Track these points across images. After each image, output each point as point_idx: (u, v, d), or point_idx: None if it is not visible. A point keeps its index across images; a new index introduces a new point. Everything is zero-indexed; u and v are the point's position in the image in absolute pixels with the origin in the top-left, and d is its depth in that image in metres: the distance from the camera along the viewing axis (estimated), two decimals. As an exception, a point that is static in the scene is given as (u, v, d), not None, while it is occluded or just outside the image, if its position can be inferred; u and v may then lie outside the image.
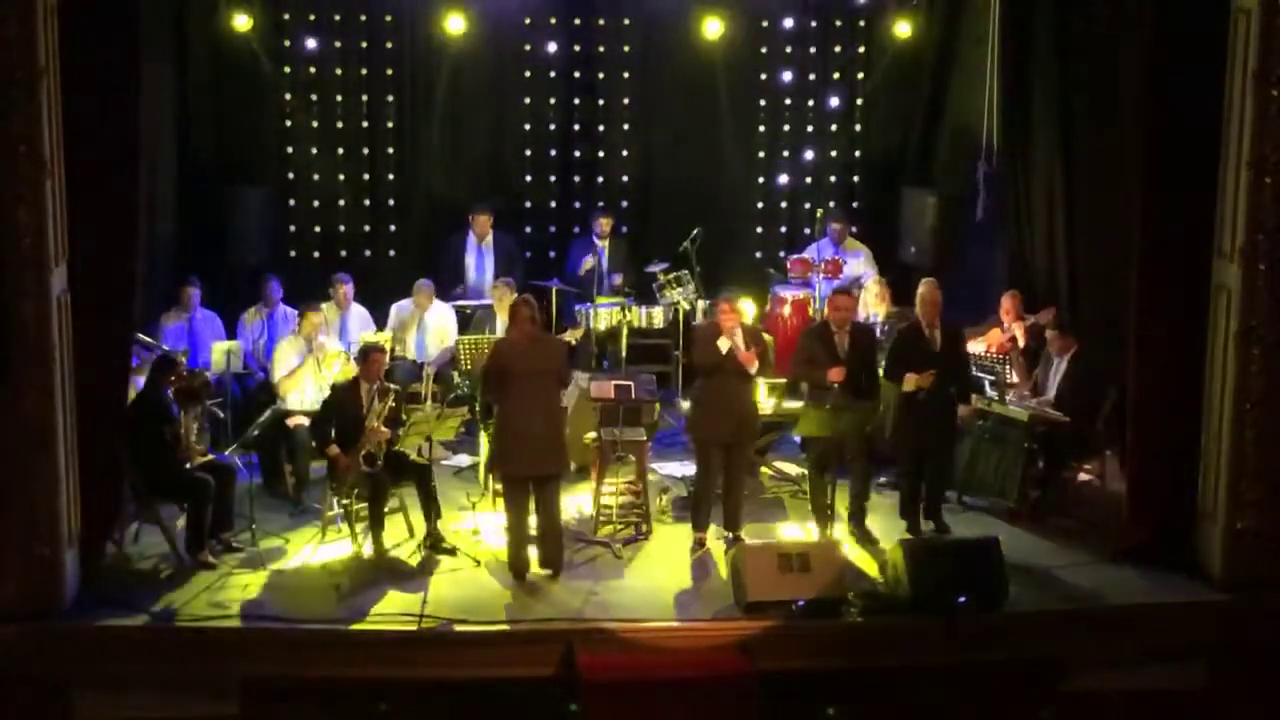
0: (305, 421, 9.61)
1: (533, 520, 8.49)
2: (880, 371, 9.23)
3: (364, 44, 12.45)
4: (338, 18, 12.36)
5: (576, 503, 9.54)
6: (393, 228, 12.77)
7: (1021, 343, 10.37)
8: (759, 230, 13.24)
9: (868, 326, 10.01)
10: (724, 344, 8.70)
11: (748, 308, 10.14)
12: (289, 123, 12.45)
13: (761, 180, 13.19)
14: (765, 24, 12.84)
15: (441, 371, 11.04)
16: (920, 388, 8.87)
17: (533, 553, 8.45)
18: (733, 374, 8.74)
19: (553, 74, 12.74)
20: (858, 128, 13.14)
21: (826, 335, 9.05)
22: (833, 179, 13.18)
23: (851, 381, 8.87)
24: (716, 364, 8.72)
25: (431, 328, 11.19)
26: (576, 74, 12.77)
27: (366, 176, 12.69)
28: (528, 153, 12.86)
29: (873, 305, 11.09)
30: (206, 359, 10.30)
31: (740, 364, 8.70)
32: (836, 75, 13.04)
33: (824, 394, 8.93)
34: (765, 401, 9.65)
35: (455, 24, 11.92)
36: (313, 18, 12.29)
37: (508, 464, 8.49)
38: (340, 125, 12.52)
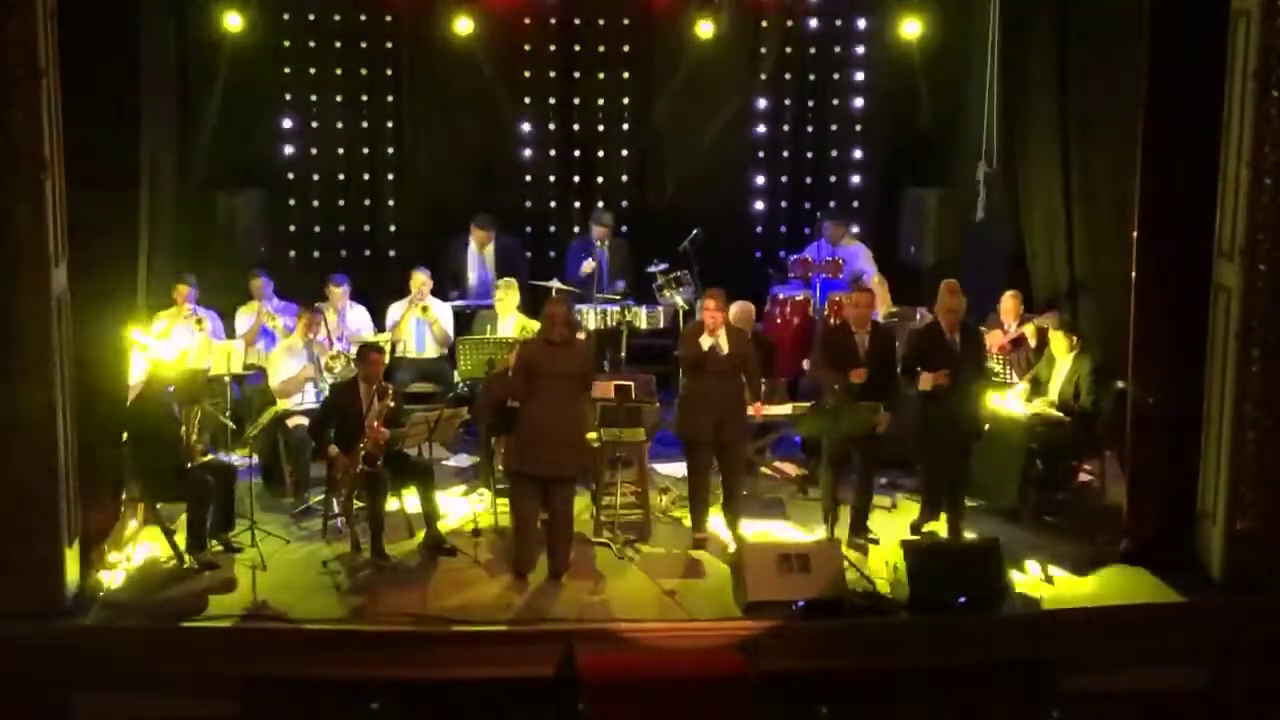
0: (305, 422, 9.61)
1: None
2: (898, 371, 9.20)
3: (364, 44, 12.47)
4: (338, 18, 12.38)
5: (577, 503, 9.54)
6: (393, 228, 12.79)
7: (1034, 343, 10.36)
8: (759, 230, 13.26)
9: (888, 327, 9.98)
10: (706, 341, 8.70)
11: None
12: (288, 123, 12.47)
13: (761, 180, 13.21)
14: (765, 24, 12.85)
15: (442, 369, 11.09)
16: (937, 386, 8.81)
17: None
18: (714, 372, 8.73)
19: (553, 74, 12.75)
20: (858, 128, 13.16)
21: (847, 335, 9.01)
22: (833, 179, 13.21)
23: (870, 382, 8.85)
24: (697, 361, 8.71)
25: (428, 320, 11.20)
26: (576, 74, 12.78)
27: (366, 176, 12.71)
28: (527, 153, 12.87)
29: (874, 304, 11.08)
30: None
31: (723, 362, 8.70)
32: (836, 76, 13.07)
33: (831, 394, 8.93)
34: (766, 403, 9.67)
35: (456, 24, 11.93)
36: (312, 18, 12.31)
37: (524, 463, 8.42)
38: (340, 125, 12.54)
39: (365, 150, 12.64)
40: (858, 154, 13.19)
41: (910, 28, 12.32)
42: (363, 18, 12.38)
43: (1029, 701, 7.82)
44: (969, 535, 8.90)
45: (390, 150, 12.69)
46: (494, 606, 8.02)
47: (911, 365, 8.96)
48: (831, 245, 11.77)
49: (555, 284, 11.47)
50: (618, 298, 11.56)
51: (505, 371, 9.11)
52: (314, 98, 12.45)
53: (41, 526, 7.59)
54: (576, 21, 12.67)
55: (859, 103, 13.11)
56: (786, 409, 9.78)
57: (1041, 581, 8.42)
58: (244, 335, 10.66)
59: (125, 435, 8.42)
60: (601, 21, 12.69)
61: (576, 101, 12.83)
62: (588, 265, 11.75)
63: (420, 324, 11.17)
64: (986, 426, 9.49)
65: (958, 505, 9.01)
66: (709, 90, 12.69)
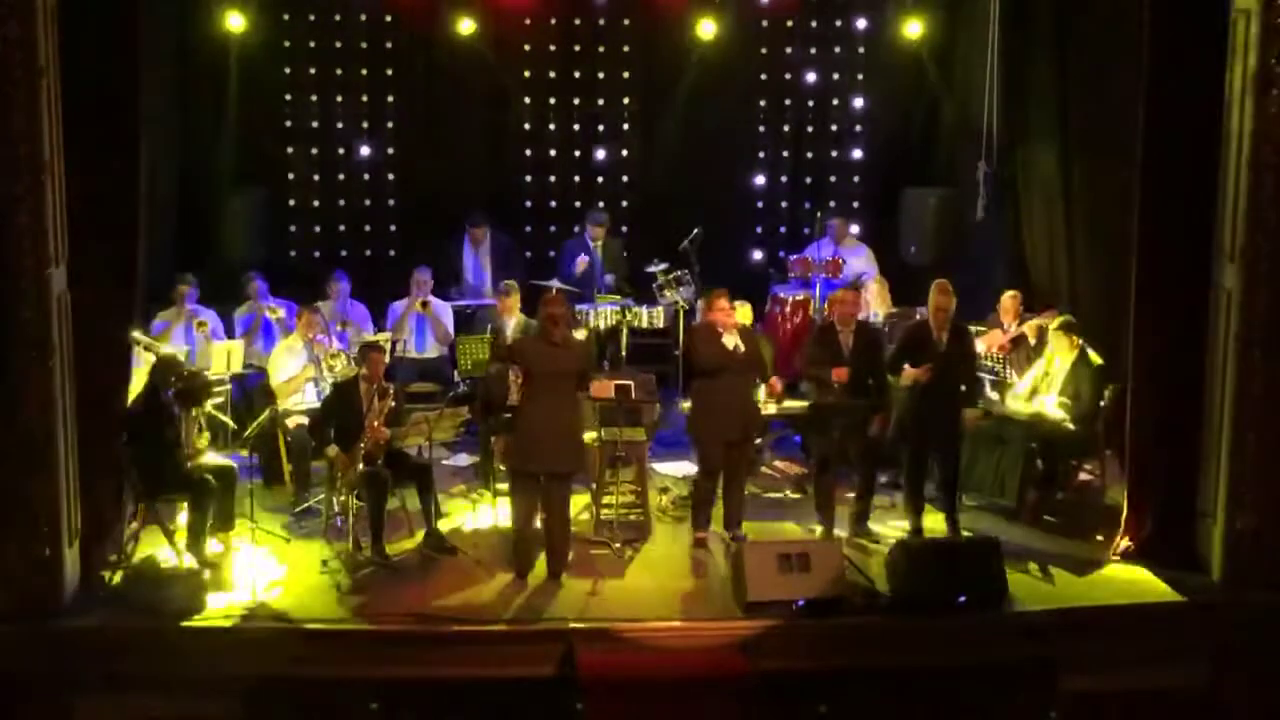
0: (305, 422, 9.61)
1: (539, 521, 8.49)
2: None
3: (364, 44, 12.48)
4: (338, 18, 12.40)
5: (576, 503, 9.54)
6: (393, 228, 12.80)
7: (1034, 342, 10.37)
8: (759, 230, 13.27)
9: (874, 326, 9.98)
10: (730, 340, 8.69)
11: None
12: (289, 123, 12.48)
13: (761, 180, 13.23)
14: (765, 24, 12.87)
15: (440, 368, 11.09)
16: (917, 381, 8.82)
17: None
18: (732, 372, 8.73)
19: (553, 74, 12.76)
20: (858, 128, 13.18)
21: (831, 334, 9.02)
22: (833, 179, 13.22)
23: (855, 381, 8.85)
24: (721, 364, 8.70)
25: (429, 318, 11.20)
26: (576, 74, 12.80)
27: (366, 176, 12.72)
28: (528, 153, 12.90)
29: (874, 304, 11.11)
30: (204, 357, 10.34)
31: (740, 361, 8.69)
32: (836, 76, 13.09)
33: (827, 393, 8.93)
34: (765, 403, 9.66)
35: (457, 24, 11.94)
36: (313, 18, 12.33)
37: (521, 460, 8.40)
38: (340, 126, 12.56)
39: (365, 150, 12.66)
40: (858, 154, 13.21)
41: (911, 28, 12.34)
42: (363, 18, 12.41)
43: (1029, 701, 7.82)
44: (968, 534, 8.91)
45: (390, 150, 12.70)
46: (494, 606, 8.02)
47: (898, 362, 8.98)
48: (836, 244, 11.78)
49: (555, 284, 11.48)
50: (617, 297, 11.56)
51: (505, 371, 9.12)
52: (314, 98, 12.47)
53: (42, 526, 7.59)
54: (576, 21, 12.69)
55: (859, 103, 13.13)
56: (773, 409, 9.77)
57: (1041, 581, 8.43)
58: (245, 335, 10.68)
59: (125, 435, 8.42)
60: (601, 21, 12.72)
61: (576, 101, 12.85)
62: (581, 262, 11.76)
63: (421, 323, 11.18)
64: (981, 426, 9.50)
65: (954, 504, 9.02)
66: (709, 90, 12.69)
